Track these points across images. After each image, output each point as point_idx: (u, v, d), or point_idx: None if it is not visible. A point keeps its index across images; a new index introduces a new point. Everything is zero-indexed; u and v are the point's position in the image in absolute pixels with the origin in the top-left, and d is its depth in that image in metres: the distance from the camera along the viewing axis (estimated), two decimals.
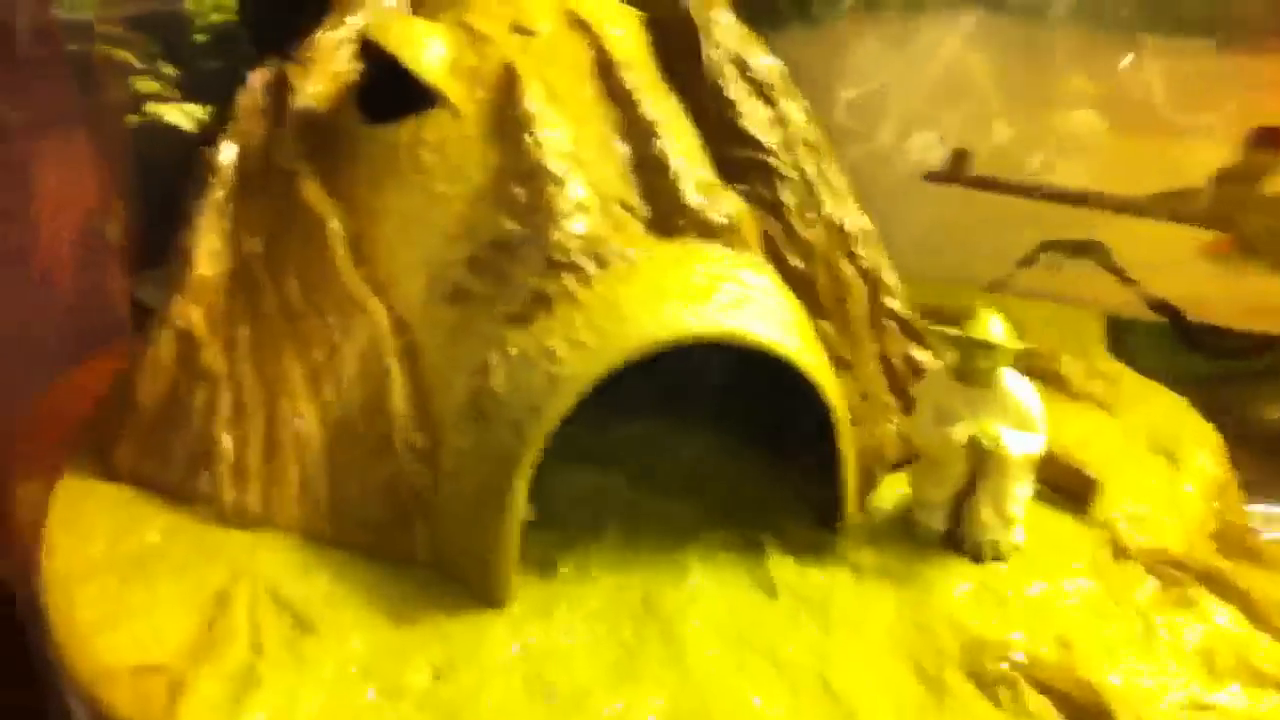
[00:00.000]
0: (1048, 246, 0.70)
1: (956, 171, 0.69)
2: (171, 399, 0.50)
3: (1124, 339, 0.68)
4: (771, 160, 0.51)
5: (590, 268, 0.46)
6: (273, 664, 0.42)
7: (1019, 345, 0.48)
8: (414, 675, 0.42)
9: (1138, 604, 0.48)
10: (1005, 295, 0.70)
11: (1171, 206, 0.68)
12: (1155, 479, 0.55)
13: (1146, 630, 0.47)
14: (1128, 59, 0.67)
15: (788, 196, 0.52)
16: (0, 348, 0.56)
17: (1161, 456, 0.56)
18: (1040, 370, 0.62)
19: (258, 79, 0.56)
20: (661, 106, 0.51)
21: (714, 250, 0.49)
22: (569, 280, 0.46)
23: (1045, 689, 0.44)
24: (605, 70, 0.52)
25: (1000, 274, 0.70)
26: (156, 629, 0.43)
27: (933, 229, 0.69)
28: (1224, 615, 0.48)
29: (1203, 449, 0.57)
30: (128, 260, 0.56)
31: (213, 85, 0.59)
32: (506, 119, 0.49)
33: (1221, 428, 0.60)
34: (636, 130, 0.50)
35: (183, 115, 0.58)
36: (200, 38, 0.58)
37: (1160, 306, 0.69)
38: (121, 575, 0.45)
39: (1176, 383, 0.64)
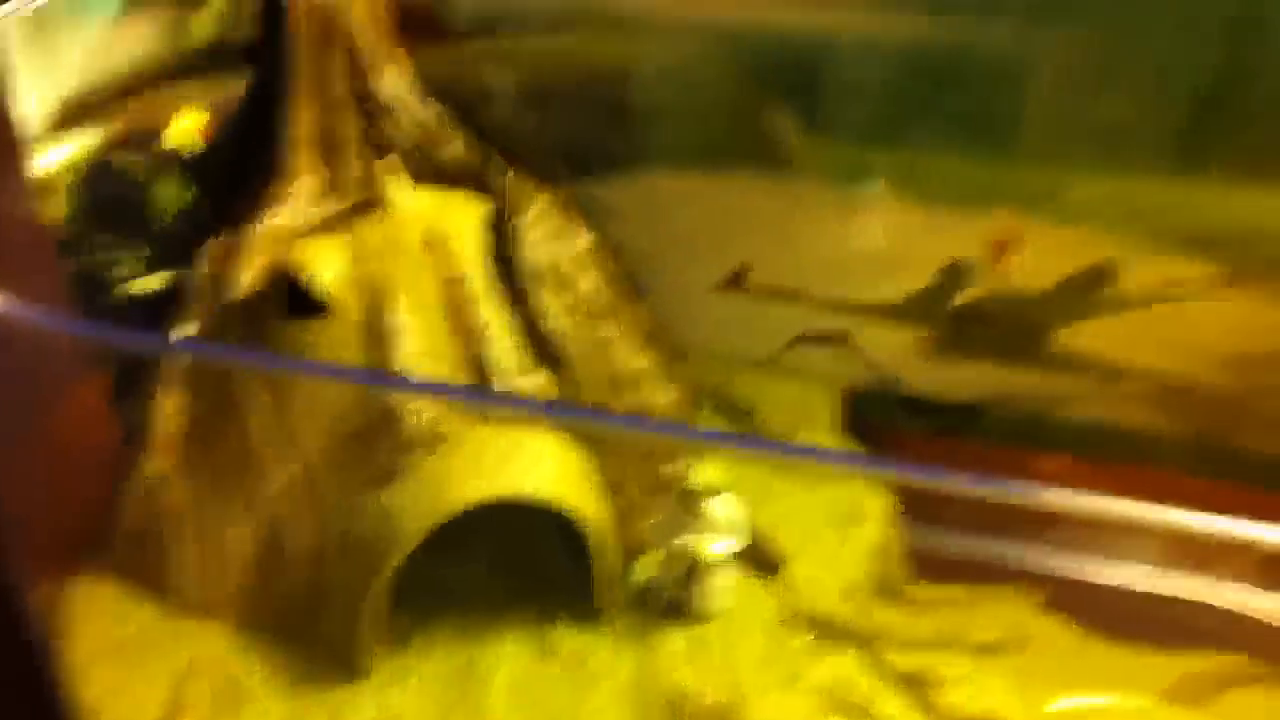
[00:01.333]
0: (804, 336, 0.89)
1: (738, 283, 0.89)
2: (147, 522, 0.70)
3: (866, 408, 0.88)
4: (564, 342, 0.71)
5: (427, 447, 0.66)
6: None
7: (718, 490, 0.69)
8: None
9: (793, 654, 0.69)
10: (772, 371, 0.89)
11: (897, 311, 0.87)
12: (833, 548, 0.76)
13: (793, 675, 0.68)
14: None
15: (576, 365, 0.71)
16: None
17: (843, 528, 0.78)
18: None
19: (210, 253, 0.73)
20: (489, 310, 0.70)
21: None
22: (411, 458, 0.66)
23: None
24: (451, 284, 0.70)
25: (770, 353, 0.89)
26: (142, 701, 0.64)
27: (718, 322, 0.88)
28: (849, 661, 0.69)
29: (874, 519, 0.78)
30: (115, 394, 0.75)
31: (178, 251, 0.75)
32: (378, 327, 0.69)
33: None
34: (470, 333, 0.69)
35: (156, 280, 0.76)
36: (166, 219, 0.77)
37: (885, 383, 0.89)
38: (117, 659, 0.66)
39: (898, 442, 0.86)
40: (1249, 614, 0.79)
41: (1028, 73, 0.78)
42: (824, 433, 0.84)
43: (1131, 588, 0.81)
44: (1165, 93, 0.74)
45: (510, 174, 0.75)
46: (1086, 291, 0.83)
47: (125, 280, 0.73)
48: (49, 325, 0.59)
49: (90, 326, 0.68)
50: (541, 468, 0.67)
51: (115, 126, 0.74)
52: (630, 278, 0.80)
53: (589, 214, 0.79)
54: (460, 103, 0.80)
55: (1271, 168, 0.75)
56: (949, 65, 0.79)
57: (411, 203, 0.71)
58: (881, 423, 0.88)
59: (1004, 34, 0.77)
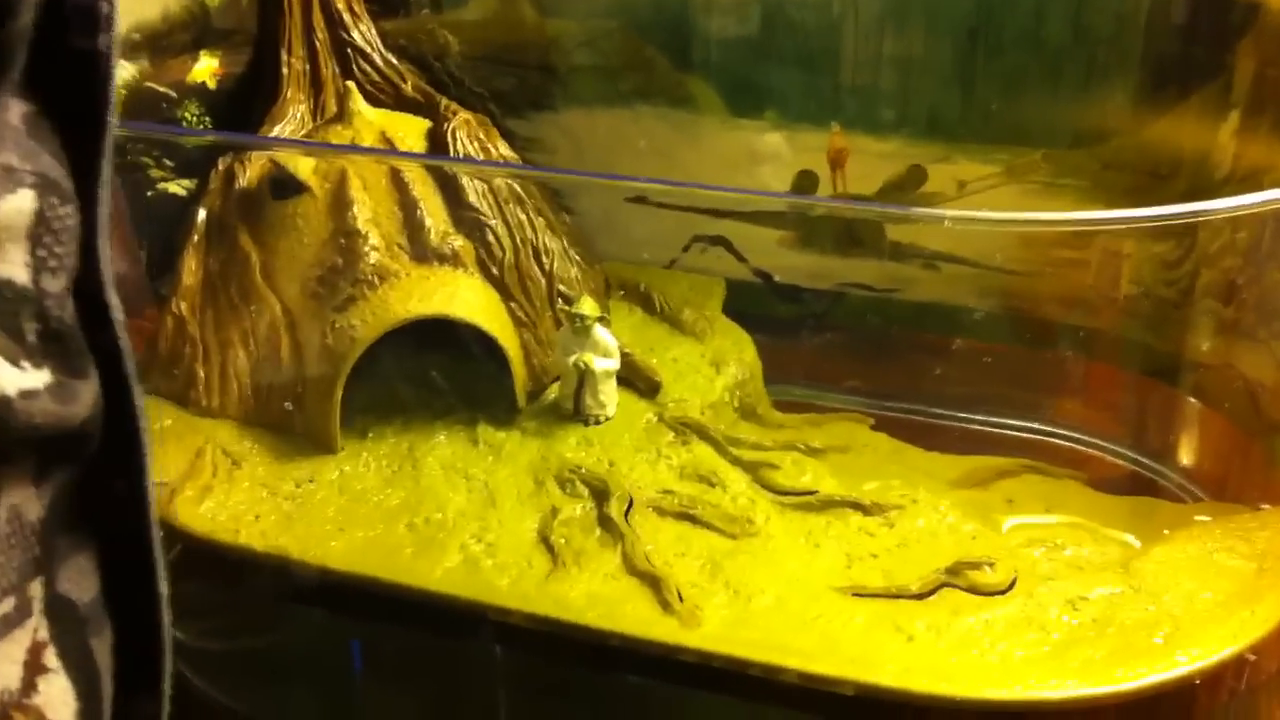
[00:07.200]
0: (696, 239, 1.03)
1: (642, 199, 1.03)
2: (174, 350, 0.85)
3: (742, 294, 1.03)
4: (482, 218, 0.86)
5: (376, 282, 0.82)
6: (220, 481, 0.78)
7: (597, 314, 0.84)
8: (287, 485, 0.78)
9: (659, 445, 0.83)
10: (673, 269, 1.04)
11: (766, 216, 1.02)
12: (703, 381, 0.90)
13: (658, 456, 0.82)
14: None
15: (490, 236, 0.86)
16: None
17: (712, 368, 0.92)
18: (670, 318, 0.98)
19: (220, 166, 0.90)
20: (423, 190, 0.86)
21: (445, 269, 0.84)
22: (364, 288, 0.81)
23: (591, 486, 0.80)
24: (395, 172, 0.86)
25: (672, 256, 1.04)
26: (166, 466, 0.79)
27: (633, 228, 1.03)
28: (700, 449, 0.83)
29: (738, 362, 0.92)
30: (149, 269, 0.91)
31: (200, 164, 0.91)
32: (339, 199, 0.84)
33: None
34: (408, 203, 0.85)
35: (179, 187, 0.92)
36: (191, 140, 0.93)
37: (760, 274, 1.03)
38: (154, 440, 0.82)
39: (770, 321, 1.00)
40: (1029, 436, 0.93)
41: (842, 22, 0.94)
42: (711, 310, 0.98)
43: (943, 422, 0.95)
44: (940, 33, 0.90)
45: (446, 100, 0.91)
46: (905, 191, 0.98)
47: (158, 182, 0.89)
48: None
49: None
50: (465, 296, 0.82)
51: (146, 66, 0.90)
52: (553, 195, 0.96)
53: (516, 146, 0.95)
54: (416, 59, 0.97)
55: (1024, 87, 0.91)
56: (785, 18, 0.95)
57: (369, 116, 0.88)
58: (758, 308, 1.02)
59: None
